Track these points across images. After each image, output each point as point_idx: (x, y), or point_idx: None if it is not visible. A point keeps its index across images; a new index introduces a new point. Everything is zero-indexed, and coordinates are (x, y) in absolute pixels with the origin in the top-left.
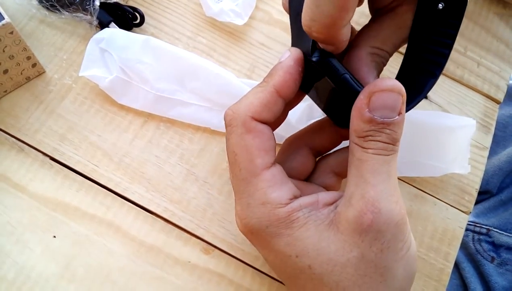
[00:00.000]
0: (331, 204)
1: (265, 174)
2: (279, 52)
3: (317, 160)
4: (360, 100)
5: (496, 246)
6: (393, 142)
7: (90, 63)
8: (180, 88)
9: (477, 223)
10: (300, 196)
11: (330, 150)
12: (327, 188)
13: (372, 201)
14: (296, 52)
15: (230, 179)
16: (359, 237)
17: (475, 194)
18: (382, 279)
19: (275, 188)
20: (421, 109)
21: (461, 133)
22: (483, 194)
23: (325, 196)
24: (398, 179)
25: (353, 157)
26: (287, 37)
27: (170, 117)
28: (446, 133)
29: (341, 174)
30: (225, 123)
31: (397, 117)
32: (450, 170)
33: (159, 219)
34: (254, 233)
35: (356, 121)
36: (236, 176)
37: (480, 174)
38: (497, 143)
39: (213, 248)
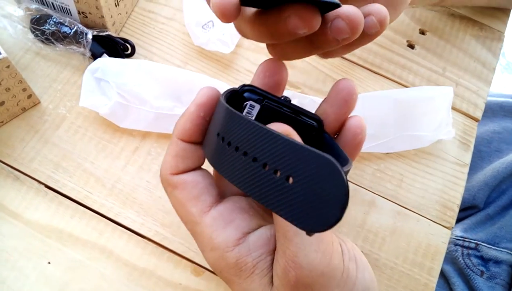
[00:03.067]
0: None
1: (205, 219)
2: None
3: None
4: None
5: (485, 260)
6: None
7: (88, 93)
8: (178, 104)
9: (465, 238)
10: (252, 231)
11: None
12: None
13: (291, 257)
14: (200, 94)
15: None
16: None
17: (457, 209)
18: None
19: (219, 231)
20: None
21: (440, 101)
22: (470, 209)
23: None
24: (390, 155)
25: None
26: None
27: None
28: (427, 103)
29: None
30: None
31: None
32: (436, 137)
33: (150, 242)
34: (217, 274)
35: None
36: (188, 230)
37: (461, 190)
38: (482, 159)
39: (203, 269)
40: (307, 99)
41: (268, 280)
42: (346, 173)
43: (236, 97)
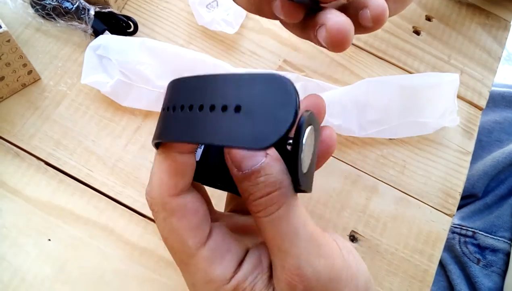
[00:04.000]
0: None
1: (202, 252)
2: (269, 60)
3: None
4: (229, 164)
5: (482, 248)
6: (274, 187)
7: (89, 70)
8: None
9: (463, 226)
10: (245, 257)
11: None
12: None
13: (293, 270)
14: None
15: None
16: None
17: (459, 197)
18: None
19: (216, 264)
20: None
21: (446, 88)
22: (469, 198)
23: (268, 258)
24: (394, 141)
25: (257, 228)
26: (277, 46)
27: None
28: (432, 89)
29: None
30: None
31: (263, 159)
32: (441, 124)
33: (151, 222)
34: None
35: (237, 185)
36: (174, 258)
37: (463, 178)
38: (482, 149)
39: None
40: (311, 82)
41: None
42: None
43: None
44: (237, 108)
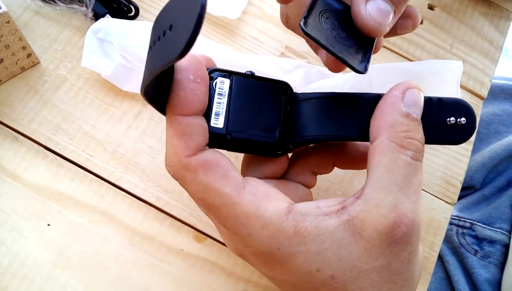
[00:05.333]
0: (335, 208)
1: (245, 197)
2: (271, 46)
3: (290, 157)
4: (395, 95)
5: (479, 240)
6: (423, 144)
7: (90, 53)
8: None
9: (461, 217)
10: (293, 203)
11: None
12: (305, 186)
13: (406, 213)
14: (178, 63)
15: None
16: (387, 248)
17: (460, 186)
18: (406, 284)
19: (264, 205)
20: None
21: (449, 75)
22: (467, 189)
23: (323, 201)
24: None
25: (385, 157)
26: (279, 32)
27: None
28: (435, 76)
29: (319, 172)
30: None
31: (418, 118)
32: None
33: (152, 208)
34: (263, 257)
35: (393, 114)
36: (220, 218)
37: (464, 167)
38: (480, 141)
39: (205, 236)
40: (313, 69)
41: (343, 234)
42: None
43: None
44: (170, 28)
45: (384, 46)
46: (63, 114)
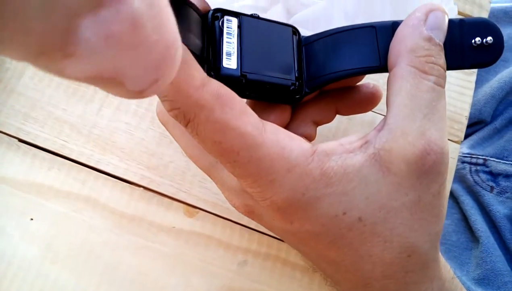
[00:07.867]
0: (357, 143)
1: (268, 136)
2: None
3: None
4: (416, 17)
5: (494, 175)
6: (445, 70)
7: None
8: None
9: (473, 154)
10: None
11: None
12: (306, 138)
13: (434, 140)
14: None
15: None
16: (417, 179)
17: (465, 122)
18: (437, 220)
19: (289, 145)
20: None
21: None
22: (477, 124)
23: (344, 138)
24: None
25: (406, 83)
26: None
27: None
28: None
29: (321, 121)
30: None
31: (441, 44)
32: None
33: (137, 188)
34: (284, 208)
35: (414, 38)
36: (238, 164)
37: (469, 100)
38: (487, 71)
39: (197, 210)
40: (291, 1)
41: (369, 170)
42: None
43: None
44: None
45: None
46: (31, 101)
